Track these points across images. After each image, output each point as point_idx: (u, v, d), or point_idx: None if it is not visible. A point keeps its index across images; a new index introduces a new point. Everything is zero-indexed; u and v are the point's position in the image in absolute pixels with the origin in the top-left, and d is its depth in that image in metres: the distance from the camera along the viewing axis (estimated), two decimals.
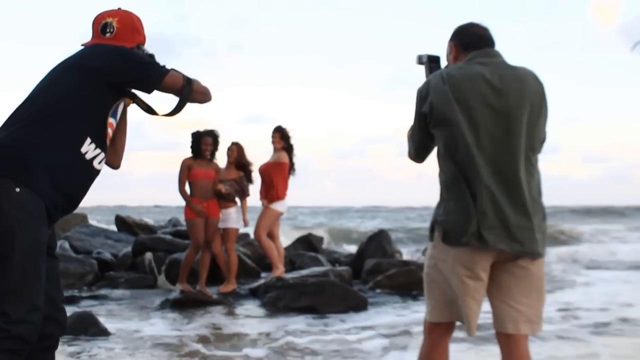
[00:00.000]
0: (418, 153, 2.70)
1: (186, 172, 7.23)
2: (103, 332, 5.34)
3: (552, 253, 11.80)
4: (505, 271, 2.50)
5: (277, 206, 7.79)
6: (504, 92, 2.45)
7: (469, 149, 2.42)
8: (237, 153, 7.63)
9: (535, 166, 2.52)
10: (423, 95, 2.55)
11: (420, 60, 2.79)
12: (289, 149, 7.87)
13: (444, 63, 2.77)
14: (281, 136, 7.86)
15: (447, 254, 2.51)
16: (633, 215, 33.35)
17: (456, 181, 2.46)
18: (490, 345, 4.21)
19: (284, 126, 7.91)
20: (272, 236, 7.95)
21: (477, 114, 2.43)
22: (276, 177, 7.71)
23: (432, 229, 2.59)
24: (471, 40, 2.62)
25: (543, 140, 2.60)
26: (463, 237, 2.42)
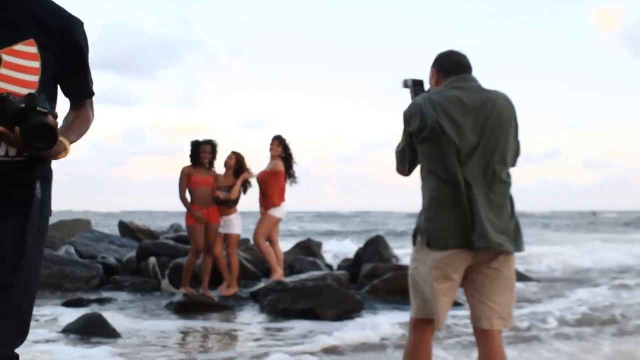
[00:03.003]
0: (406, 167, 3.00)
1: (186, 179, 7.51)
2: (111, 333, 5.60)
3: None
4: (479, 272, 2.81)
5: (275, 212, 8.05)
6: (477, 113, 2.76)
7: (447, 163, 2.73)
8: (234, 162, 7.91)
9: (507, 177, 2.82)
10: (408, 117, 2.87)
11: (405, 84, 3.09)
12: (286, 157, 8.14)
13: (427, 86, 3.08)
14: (279, 144, 8.13)
15: (427, 256, 2.80)
16: None
17: (436, 192, 2.77)
18: None
19: (283, 136, 8.19)
20: (271, 241, 8.22)
21: (454, 132, 2.73)
22: (272, 185, 7.97)
23: (415, 235, 2.90)
24: (450, 66, 2.93)
25: (517, 155, 2.92)
26: (443, 242, 2.73)
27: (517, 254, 2.86)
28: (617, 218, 45.59)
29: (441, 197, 2.75)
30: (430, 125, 2.75)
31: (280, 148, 8.10)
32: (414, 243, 2.90)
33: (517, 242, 2.81)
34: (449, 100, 2.78)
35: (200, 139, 7.70)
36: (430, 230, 2.77)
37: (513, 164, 2.91)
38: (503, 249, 2.73)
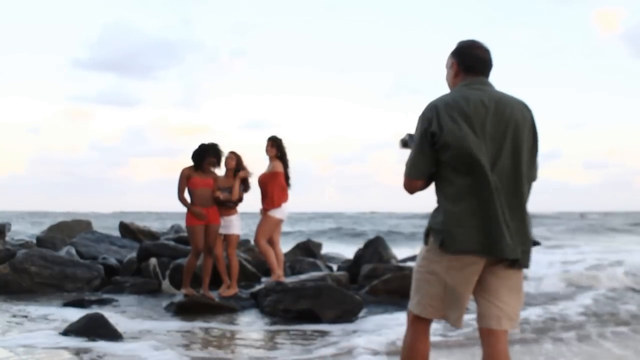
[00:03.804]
0: (418, 177, 2.84)
1: (185, 180, 7.51)
2: (113, 333, 5.63)
3: None
4: (490, 273, 2.81)
5: (276, 213, 8.06)
6: (497, 117, 2.75)
7: (467, 169, 2.71)
8: (235, 163, 7.93)
9: (527, 186, 2.81)
10: (429, 117, 2.79)
11: (404, 144, 2.98)
12: (282, 158, 8.15)
13: None
14: (272, 145, 8.12)
15: (442, 257, 2.79)
16: None
17: (455, 196, 2.74)
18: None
19: (278, 136, 8.18)
20: (272, 242, 8.23)
21: (478, 135, 2.72)
22: (272, 186, 7.98)
23: (427, 234, 2.88)
24: (472, 63, 2.90)
25: (535, 175, 2.88)
26: (459, 246, 2.72)
27: None
28: (610, 220, 45.57)
29: (460, 202, 2.72)
30: (449, 130, 2.71)
31: (275, 148, 8.10)
32: (426, 242, 2.88)
33: (528, 256, 2.80)
34: (470, 101, 2.75)
35: (207, 142, 7.66)
36: (445, 233, 2.75)
37: (534, 177, 2.89)
38: (518, 262, 2.74)
